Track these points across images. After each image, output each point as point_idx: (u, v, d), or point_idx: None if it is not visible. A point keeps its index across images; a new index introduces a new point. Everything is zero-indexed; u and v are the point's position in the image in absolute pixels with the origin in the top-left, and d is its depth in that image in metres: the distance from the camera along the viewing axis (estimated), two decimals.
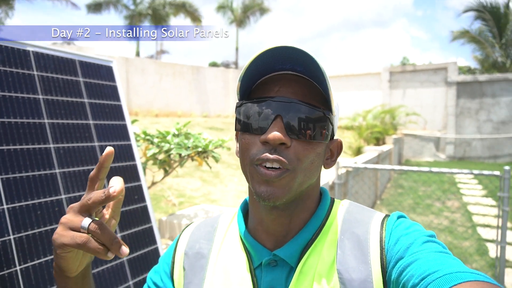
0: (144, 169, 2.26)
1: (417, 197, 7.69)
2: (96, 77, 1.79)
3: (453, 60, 16.01)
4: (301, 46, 0.57)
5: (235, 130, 0.68)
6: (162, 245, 2.28)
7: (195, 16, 21.60)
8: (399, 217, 0.67)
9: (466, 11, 19.40)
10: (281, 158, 0.59)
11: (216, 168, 8.40)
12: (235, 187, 7.24)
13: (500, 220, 3.35)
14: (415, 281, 0.52)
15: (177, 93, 16.34)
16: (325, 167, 0.70)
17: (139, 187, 1.84)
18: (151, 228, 1.80)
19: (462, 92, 15.33)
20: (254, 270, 0.67)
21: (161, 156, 2.27)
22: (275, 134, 0.58)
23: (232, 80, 18.33)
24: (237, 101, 0.68)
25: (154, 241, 1.80)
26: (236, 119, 0.66)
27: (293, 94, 0.61)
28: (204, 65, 17.69)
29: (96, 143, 1.68)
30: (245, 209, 0.77)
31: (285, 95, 0.61)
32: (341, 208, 0.71)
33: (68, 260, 0.55)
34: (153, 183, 2.34)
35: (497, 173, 3.37)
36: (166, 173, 2.32)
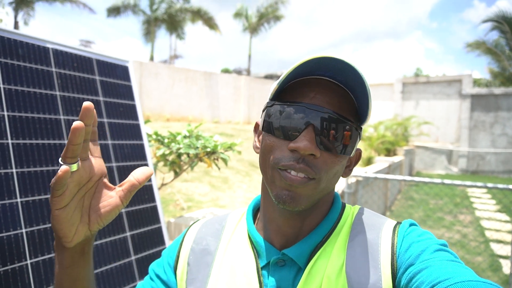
0: (155, 170, 2.27)
1: (428, 210, 7.57)
2: (112, 76, 1.81)
3: (468, 72, 15.82)
4: (348, 60, 0.55)
5: (261, 129, 0.66)
6: None
7: (210, 23, 21.84)
8: (411, 224, 0.66)
9: (485, 21, 19.17)
10: (308, 168, 0.58)
11: (225, 173, 8.40)
12: (244, 194, 7.23)
13: None
14: None
15: (189, 98, 16.48)
16: (344, 176, 0.69)
17: (150, 187, 1.84)
18: (160, 229, 1.80)
19: (477, 105, 15.13)
20: (261, 270, 0.66)
21: (171, 157, 2.27)
22: (306, 145, 0.56)
23: (243, 87, 18.41)
24: (268, 101, 0.66)
25: (162, 242, 1.80)
26: (264, 119, 0.64)
27: (328, 104, 0.60)
28: (217, 71, 17.81)
29: (109, 141, 1.70)
30: (255, 208, 0.76)
31: (320, 104, 0.59)
32: (352, 213, 0.71)
33: (61, 221, 0.53)
34: (163, 185, 2.34)
35: None
36: (176, 174, 2.32)
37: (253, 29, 23.69)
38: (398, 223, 0.67)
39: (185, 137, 2.21)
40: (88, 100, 1.66)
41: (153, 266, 0.77)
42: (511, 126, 14.55)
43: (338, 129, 0.59)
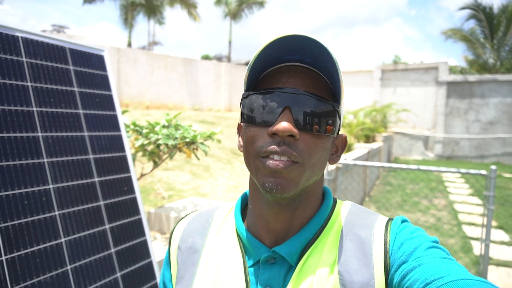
0: (134, 160, 2.24)
1: (405, 195, 7.80)
2: (87, 66, 1.76)
3: (444, 60, 16.17)
4: (313, 35, 0.55)
5: (240, 122, 0.66)
6: (150, 237, 2.27)
7: (189, 8, 21.37)
8: (403, 221, 0.66)
9: (462, 8, 19.54)
10: (290, 149, 0.57)
11: (206, 162, 8.37)
12: (225, 182, 7.24)
13: (485, 218, 3.41)
14: (419, 286, 0.51)
15: (169, 85, 16.21)
16: (330, 163, 0.68)
17: (129, 179, 1.82)
18: (139, 220, 1.79)
19: (452, 92, 15.52)
20: (249, 268, 0.65)
21: (150, 147, 2.25)
22: (284, 126, 0.56)
23: (224, 74, 18.23)
24: (243, 92, 0.65)
25: (143, 233, 1.79)
26: (242, 111, 0.64)
27: (302, 85, 0.60)
28: (197, 58, 17.52)
29: (85, 133, 1.66)
30: (243, 204, 0.75)
31: (293, 86, 0.59)
32: (344, 209, 0.70)
33: None
34: (142, 175, 2.32)
35: (483, 172, 3.43)
36: (156, 165, 2.30)
37: (234, 15, 23.35)
38: (390, 219, 0.66)
39: (163, 127, 2.18)
40: (61, 90, 1.61)
41: (161, 277, 0.79)
42: (484, 113, 15.04)
43: (315, 108, 0.59)
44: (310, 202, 0.66)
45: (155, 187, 6.26)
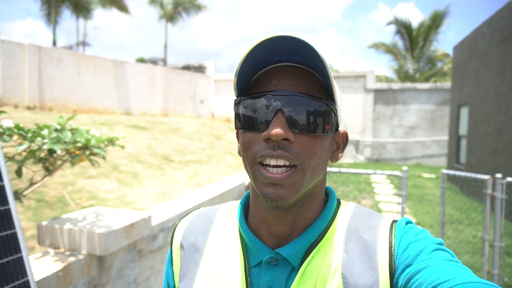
0: (20, 168, 1.97)
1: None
2: None
3: (371, 69, 17.29)
4: (299, 36, 0.53)
5: (235, 128, 0.64)
6: (39, 253, 2.00)
7: (120, 5, 20.41)
8: (407, 222, 0.65)
9: (388, 24, 21.21)
10: (286, 153, 0.56)
11: (135, 168, 7.95)
12: (154, 189, 6.92)
13: (400, 216, 3.60)
14: None
15: (98, 88, 15.27)
16: (332, 161, 0.67)
17: (2, 188, 1.56)
18: (14, 235, 1.54)
19: (379, 99, 16.63)
20: (250, 269, 0.64)
21: (42, 154, 2.00)
22: (277, 131, 0.55)
23: (159, 77, 17.66)
24: (235, 97, 0.64)
25: (18, 249, 1.55)
26: (235, 117, 0.62)
27: (294, 86, 0.58)
28: (131, 60, 16.71)
29: None
30: (246, 204, 0.73)
31: (285, 88, 0.58)
32: (347, 211, 0.69)
33: None
34: (32, 184, 2.05)
35: (397, 173, 3.63)
36: (49, 172, 2.04)
37: (170, 17, 22.80)
38: (394, 221, 0.65)
39: (56, 130, 1.95)
40: None
41: (165, 275, 0.78)
42: (406, 118, 16.31)
43: (308, 108, 0.57)
44: (313, 203, 0.65)
45: (75, 196, 5.77)
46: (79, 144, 1.79)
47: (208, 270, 0.67)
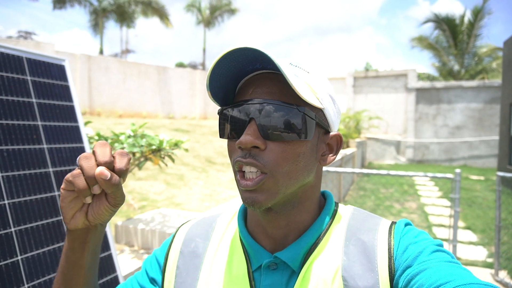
0: None
1: (378, 199, 7.96)
2: (46, 76, 1.70)
3: (413, 67, 16.77)
4: (251, 45, 0.54)
5: (219, 137, 0.66)
6: (117, 250, 2.20)
7: (162, 14, 21.21)
8: (406, 224, 0.66)
9: (425, 22, 20.42)
10: (254, 161, 0.57)
11: (180, 170, 8.26)
12: (200, 190, 7.16)
13: (452, 220, 3.53)
14: None
15: (142, 93, 15.96)
16: (322, 164, 0.66)
17: None
18: (105, 234, 1.73)
19: (421, 98, 16.08)
20: (253, 273, 0.65)
21: None
22: (245, 138, 0.56)
23: (199, 82, 18.15)
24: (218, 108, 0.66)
25: (107, 247, 1.74)
26: (218, 126, 0.65)
27: (267, 94, 0.59)
28: (171, 66, 17.34)
29: (45, 145, 1.60)
30: (245, 210, 0.74)
31: (259, 96, 0.59)
32: (346, 213, 0.69)
33: (63, 200, 0.55)
34: None
35: (449, 175, 3.55)
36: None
37: (207, 22, 23.34)
38: (393, 223, 0.66)
39: (129, 136, 2.14)
40: (18, 101, 1.55)
41: (145, 261, 0.76)
42: (451, 118, 15.65)
43: (278, 115, 0.57)
44: (304, 206, 0.65)
45: (127, 198, 6.12)
46: (154, 147, 1.96)
47: (211, 275, 0.67)
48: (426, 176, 3.60)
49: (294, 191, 0.62)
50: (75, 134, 1.75)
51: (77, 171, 0.53)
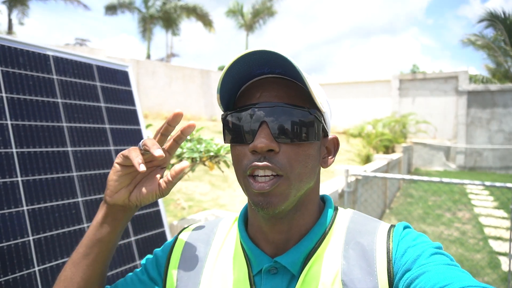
0: None
1: (427, 207, 7.61)
2: (113, 82, 1.82)
3: (464, 69, 15.88)
4: (273, 49, 0.55)
5: (224, 142, 0.66)
6: None
7: (206, 20, 21.79)
8: (405, 227, 0.65)
9: (480, 21, 19.24)
10: (270, 164, 0.58)
11: (225, 172, 8.41)
12: (243, 193, 7.24)
13: (510, 233, 3.30)
14: None
15: (187, 96, 16.46)
16: (323, 166, 0.68)
17: None
18: (163, 233, 1.81)
19: (473, 102, 15.18)
20: (253, 277, 0.65)
21: (173, 161, 2.28)
22: (261, 142, 0.57)
23: None
24: (222, 113, 0.66)
25: None
26: (223, 131, 0.65)
27: (276, 97, 0.60)
28: (213, 69, 17.75)
29: (112, 147, 1.70)
30: (246, 215, 0.75)
31: (268, 100, 0.60)
32: (345, 217, 0.69)
33: (114, 174, 0.63)
34: None
35: (510, 185, 3.32)
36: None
37: (249, 27, 23.63)
38: (392, 226, 0.66)
39: (187, 140, 2.22)
40: (89, 106, 1.66)
41: (145, 260, 0.77)
42: (507, 122, 14.62)
43: (291, 118, 0.58)
44: (307, 210, 0.66)
45: (175, 197, 6.32)
46: (211, 153, 2.02)
47: (212, 280, 0.67)
48: (484, 184, 3.39)
49: (300, 195, 0.63)
50: (137, 137, 1.85)
51: (134, 147, 0.62)
